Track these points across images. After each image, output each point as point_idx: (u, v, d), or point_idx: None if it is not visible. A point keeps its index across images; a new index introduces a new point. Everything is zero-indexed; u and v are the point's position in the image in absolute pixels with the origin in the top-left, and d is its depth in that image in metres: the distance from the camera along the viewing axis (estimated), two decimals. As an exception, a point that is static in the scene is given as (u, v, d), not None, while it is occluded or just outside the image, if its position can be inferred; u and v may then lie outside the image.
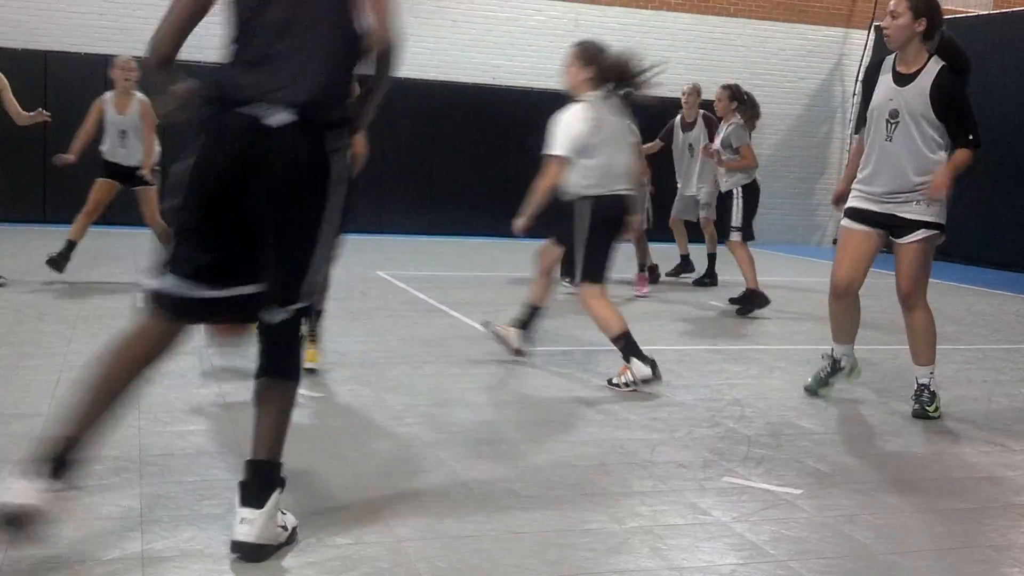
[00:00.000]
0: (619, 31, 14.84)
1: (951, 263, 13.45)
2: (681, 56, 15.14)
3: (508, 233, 13.31)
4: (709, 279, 10.21)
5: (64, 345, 5.75)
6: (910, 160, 4.93)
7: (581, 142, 5.39)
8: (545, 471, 3.96)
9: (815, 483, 3.99)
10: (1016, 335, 8.16)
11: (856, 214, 5.18)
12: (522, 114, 14.09)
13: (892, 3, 4.92)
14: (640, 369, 5.33)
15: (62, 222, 11.10)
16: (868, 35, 15.80)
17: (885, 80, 5.02)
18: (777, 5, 15.57)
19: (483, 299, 8.42)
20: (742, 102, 8.72)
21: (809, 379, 5.55)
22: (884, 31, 5.00)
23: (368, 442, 4.21)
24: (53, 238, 10.36)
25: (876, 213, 5.10)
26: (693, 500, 3.71)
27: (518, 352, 5.96)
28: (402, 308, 7.73)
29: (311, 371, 5.19)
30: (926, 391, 5.15)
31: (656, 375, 5.33)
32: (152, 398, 4.70)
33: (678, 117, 10.17)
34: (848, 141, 16.09)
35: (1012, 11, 14.03)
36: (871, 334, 7.75)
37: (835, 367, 5.47)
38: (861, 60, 15.85)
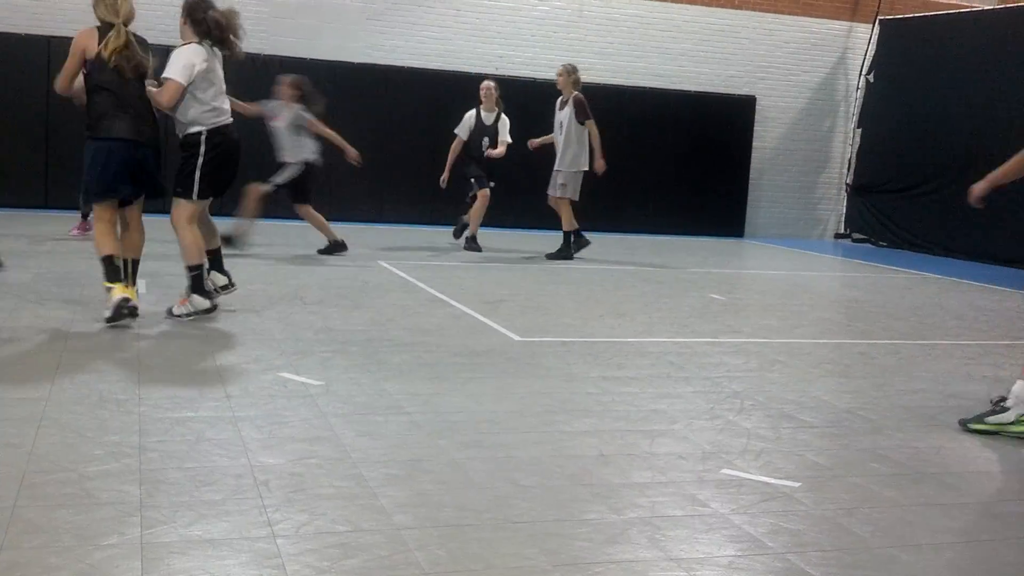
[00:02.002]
0: (623, 22, 14.83)
1: (953, 259, 13.45)
2: (685, 48, 15.13)
3: (510, 223, 13.33)
4: (563, 253, 10.88)
5: (65, 330, 5.76)
6: None
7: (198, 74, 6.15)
8: (544, 461, 3.96)
9: (814, 476, 4.00)
10: (1017, 331, 8.16)
11: None
12: (525, 104, 14.08)
13: None
14: (199, 302, 6.25)
15: (63, 207, 11.12)
16: (872, 29, 15.75)
17: None
18: (782, -2, 15.56)
19: (483, 289, 8.42)
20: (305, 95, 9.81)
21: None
22: None
23: (368, 430, 4.21)
24: (55, 224, 10.37)
25: None
26: (692, 492, 3.72)
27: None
28: (403, 297, 7.73)
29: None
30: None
31: (214, 308, 6.31)
32: (153, 384, 4.71)
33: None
34: (851, 135, 16.09)
35: (1016, 6, 13.99)
36: (869, 328, 7.76)
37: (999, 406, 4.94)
38: (865, 54, 15.82)
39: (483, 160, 11.15)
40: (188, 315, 6.26)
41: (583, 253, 11.11)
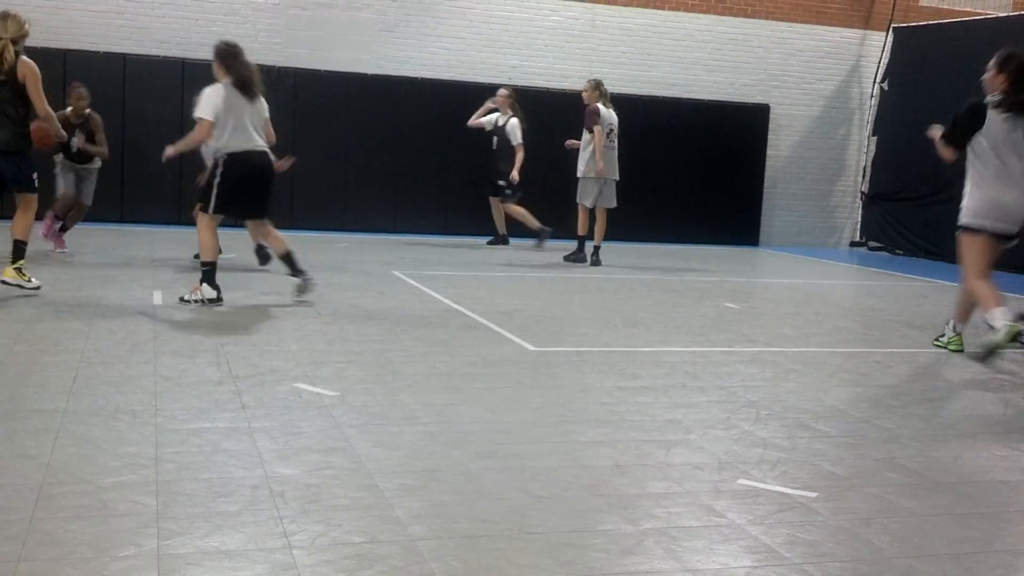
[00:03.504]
0: (636, 32, 14.84)
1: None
2: (698, 57, 15.13)
3: (523, 234, 13.39)
4: (577, 255, 11.56)
5: (82, 342, 5.79)
6: None
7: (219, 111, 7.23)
8: (559, 471, 3.96)
9: (831, 486, 3.98)
10: (1034, 339, 8.10)
11: None
12: (538, 115, 14.09)
13: None
14: (208, 292, 7.13)
15: (86, 219, 11.17)
16: (886, 37, 15.72)
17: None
18: (795, 6, 15.51)
19: (498, 298, 8.42)
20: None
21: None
22: None
23: (383, 441, 4.21)
24: (78, 235, 10.42)
25: None
26: (708, 502, 3.70)
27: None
28: (418, 307, 7.74)
29: None
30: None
31: (219, 300, 7.16)
32: (169, 396, 4.73)
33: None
34: (866, 143, 16.05)
35: (1032, 13, 13.95)
36: (885, 337, 7.73)
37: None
38: (879, 62, 15.79)
39: (497, 166, 12.31)
40: (196, 302, 7.11)
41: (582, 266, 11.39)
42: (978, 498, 3.97)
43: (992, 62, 6.64)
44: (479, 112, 12.44)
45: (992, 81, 6.62)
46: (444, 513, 3.43)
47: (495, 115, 12.41)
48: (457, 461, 4.01)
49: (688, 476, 3.99)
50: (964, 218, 6.67)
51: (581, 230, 11.47)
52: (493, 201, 12.65)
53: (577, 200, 11.50)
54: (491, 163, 12.39)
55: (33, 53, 11.95)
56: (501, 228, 12.76)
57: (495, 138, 12.35)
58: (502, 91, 12.53)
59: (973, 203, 6.62)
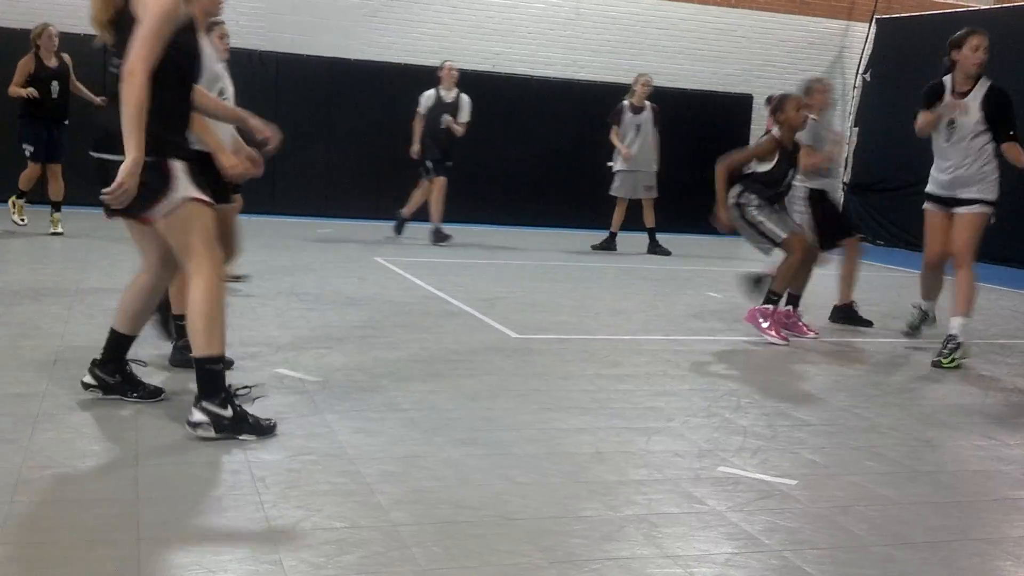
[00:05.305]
0: (620, 20, 14.82)
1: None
2: (682, 46, 15.13)
3: (506, 220, 13.37)
4: (658, 250, 12.03)
5: (61, 325, 5.75)
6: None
7: None
8: (540, 458, 3.96)
9: (810, 474, 4.01)
10: (1011, 330, 8.18)
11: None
12: (521, 101, 14.05)
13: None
14: None
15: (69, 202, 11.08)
16: (869, 28, 15.76)
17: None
18: (779, -4, 15.57)
19: (481, 286, 8.41)
20: None
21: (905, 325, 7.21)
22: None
23: (364, 427, 4.21)
24: (65, 217, 10.34)
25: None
26: (688, 489, 3.72)
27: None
28: (399, 294, 7.72)
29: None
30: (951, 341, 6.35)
31: None
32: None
33: (626, 102, 11.88)
34: (848, 134, 16.09)
35: (1012, 6, 14.00)
36: (868, 327, 7.76)
37: (924, 317, 7.22)
38: (862, 53, 15.83)
39: (445, 145, 11.22)
40: None
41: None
42: (956, 487, 4.00)
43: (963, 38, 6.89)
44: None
45: (970, 58, 6.95)
46: (425, 499, 3.43)
47: (432, 92, 11.32)
48: (438, 447, 4.01)
49: (668, 463, 4.01)
50: (994, 194, 7.14)
51: (651, 222, 12.08)
52: (436, 183, 11.32)
53: (648, 195, 11.95)
54: (435, 142, 11.20)
55: (18, 35, 11.88)
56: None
57: (443, 116, 11.17)
58: (452, 63, 11.50)
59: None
